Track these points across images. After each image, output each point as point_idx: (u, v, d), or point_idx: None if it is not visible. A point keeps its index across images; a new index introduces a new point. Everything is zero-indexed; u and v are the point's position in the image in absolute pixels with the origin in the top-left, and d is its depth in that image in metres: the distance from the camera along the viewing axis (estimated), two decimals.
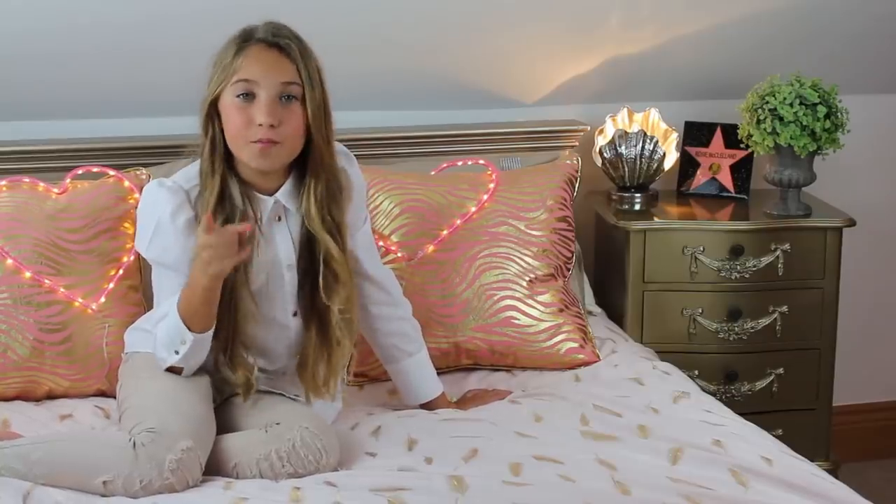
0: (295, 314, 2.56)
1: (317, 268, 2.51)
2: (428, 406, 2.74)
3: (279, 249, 2.53)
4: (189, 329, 2.41)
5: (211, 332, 2.44)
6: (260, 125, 2.41)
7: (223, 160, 2.47)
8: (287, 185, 2.52)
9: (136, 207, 2.84)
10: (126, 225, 2.84)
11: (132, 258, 2.83)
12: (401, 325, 2.74)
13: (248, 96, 2.42)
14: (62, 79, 3.09)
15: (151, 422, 2.34)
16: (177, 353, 2.44)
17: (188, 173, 2.53)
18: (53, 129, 3.14)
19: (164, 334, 2.45)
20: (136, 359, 2.60)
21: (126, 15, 3.01)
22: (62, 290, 2.76)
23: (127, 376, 2.58)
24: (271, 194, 2.51)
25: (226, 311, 2.46)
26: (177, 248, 2.47)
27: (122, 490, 2.27)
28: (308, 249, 2.53)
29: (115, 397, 2.70)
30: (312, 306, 2.54)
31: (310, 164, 2.49)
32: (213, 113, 2.47)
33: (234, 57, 2.43)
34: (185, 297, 2.41)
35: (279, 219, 2.53)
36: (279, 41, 2.45)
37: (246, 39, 2.45)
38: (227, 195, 2.46)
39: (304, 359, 2.55)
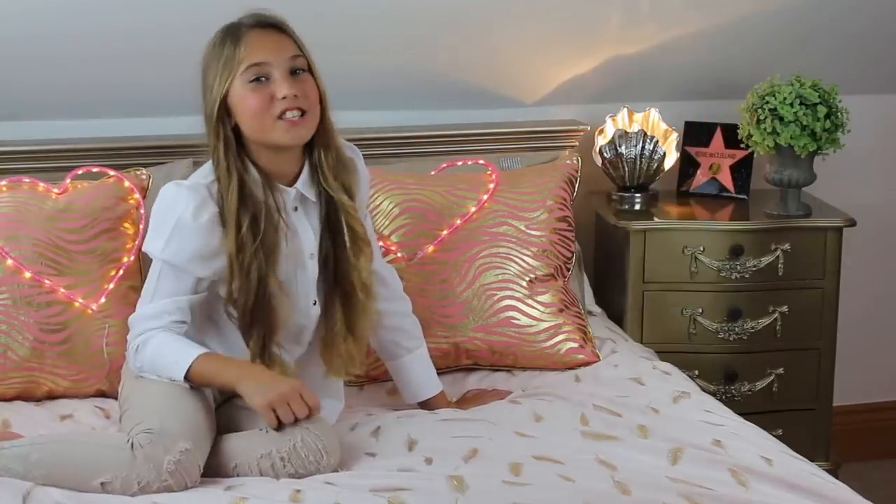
0: (315, 303, 2.57)
1: (338, 247, 2.53)
2: (427, 405, 2.74)
3: (302, 239, 2.54)
4: (186, 378, 2.42)
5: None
6: (284, 98, 2.41)
7: (237, 158, 2.47)
8: (304, 175, 2.53)
9: (136, 207, 2.86)
10: (126, 225, 2.85)
11: (132, 258, 2.83)
12: (401, 321, 2.74)
13: (261, 80, 2.43)
14: (62, 79, 3.09)
15: (151, 423, 2.34)
16: (158, 375, 2.46)
17: (203, 171, 2.52)
18: (53, 129, 3.14)
19: (162, 362, 2.44)
20: None
21: (126, 15, 3.01)
22: (62, 290, 2.76)
23: (129, 376, 2.58)
24: (290, 184, 2.52)
25: (260, 310, 2.46)
26: (194, 245, 2.44)
27: (121, 491, 2.27)
28: (326, 233, 2.55)
29: (115, 398, 2.70)
30: (335, 283, 2.55)
31: (320, 134, 2.50)
32: (222, 113, 2.46)
33: (234, 49, 2.44)
34: (208, 368, 2.41)
35: (296, 209, 2.54)
36: (271, 21, 2.47)
37: (237, 30, 2.46)
38: (247, 193, 2.46)
39: (331, 336, 2.56)
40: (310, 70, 2.48)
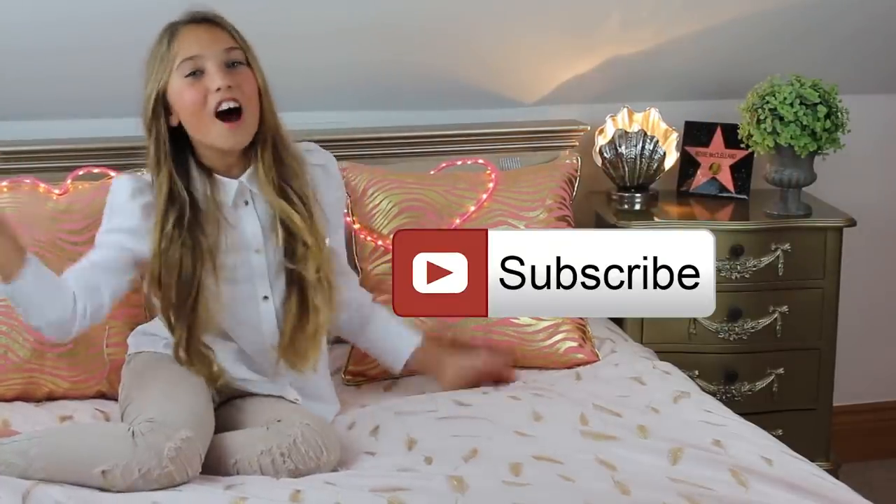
0: (265, 298, 2.55)
1: (288, 241, 2.52)
2: (420, 364, 2.69)
3: (247, 233, 2.53)
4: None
5: (20, 285, 2.35)
6: (217, 90, 2.42)
7: (169, 156, 2.47)
8: (251, 169, 2.52)
9: None
10: None
11: None
12: (351, 296, 2.70)
13: (197, 73, 2.44)
14: (62, 78, 3.09)
15: (152, 412, 2.35)
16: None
17: None
18: (53, 129, 3.14)
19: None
20: (138, 359, 2.62)
21: (126, 13, 3.01)
22: None
23: (129, 375, 2.59)
24: (236, 178, 2.52)
25: (183, 302, 2.46)
26: (129, 222, 2.48)
27: (121, 479, 2.27)
28: (276, 229, 2.53)
29: (115, 399, 2.71)
30: (290, 278, 2.54)
31: (260, 129, 2.49)
32: (158, 109, 2.46)
33: (168, 45, 2.46)
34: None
35: (246, 203, 2.53)
36: (206, 15, 2.48)
37: (173, 27, 2.48)
38: (177, 190, 2.46)
39: (284, 330, 2.55)
40: (248, 64, 2.48)
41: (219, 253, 2.49)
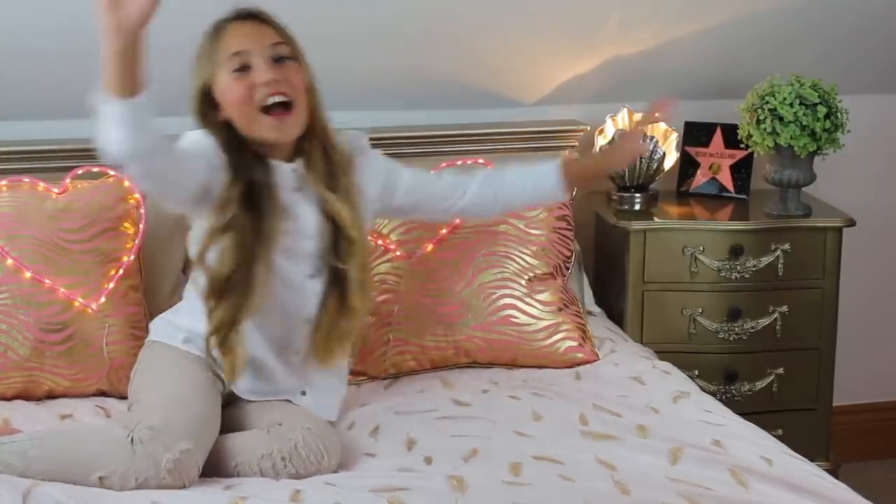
0: (311, 276, 2.53)
1: (335, 235, 2.51)
2: (570, 176, 2.69)
3: (300, 218, 2.51)
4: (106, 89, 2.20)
5: (136, 104, 2.19)
6: (265, 84, 2.41)
7: (225, 145, 2.45)
8: (302, 160, 2.51)
9: (136, 207, 2.88)
10: (126, 225, 2.85)
11: (132, 258, 2.84)
12: (484, 189, 2.72)
13: (244, 69, 2.43)
14: (63, 80, 3.09)
15: (154, 419, 2.34)
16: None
17: None
18: (53, 129, 3.14)
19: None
20: (156, 349, 2.60)
21: None
22: (62, 289, 2.76)
23: (145, 365, 2.58)
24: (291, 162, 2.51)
25: (235, 285, 2.42)
26: (215, 160, 2.41)
27: (118, 486, 2.27)
28: (329, 222, 2.52)
29: (115, 397, 2.72)
30: (334, 272, 2.52)
31: (309, 125, 2.49)
32: (206, 106, 2.45)
33: (216, 42, 2.45)
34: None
35: (300, 189, 2.52)
36: (251, 11, 2.48)
37: (219, 24, 2.47)
38: (240, 178, 2.43)
39: (319, 320, 2.53)
40: (296, 59, 2.47)
41: (275, 236, 2.46)
